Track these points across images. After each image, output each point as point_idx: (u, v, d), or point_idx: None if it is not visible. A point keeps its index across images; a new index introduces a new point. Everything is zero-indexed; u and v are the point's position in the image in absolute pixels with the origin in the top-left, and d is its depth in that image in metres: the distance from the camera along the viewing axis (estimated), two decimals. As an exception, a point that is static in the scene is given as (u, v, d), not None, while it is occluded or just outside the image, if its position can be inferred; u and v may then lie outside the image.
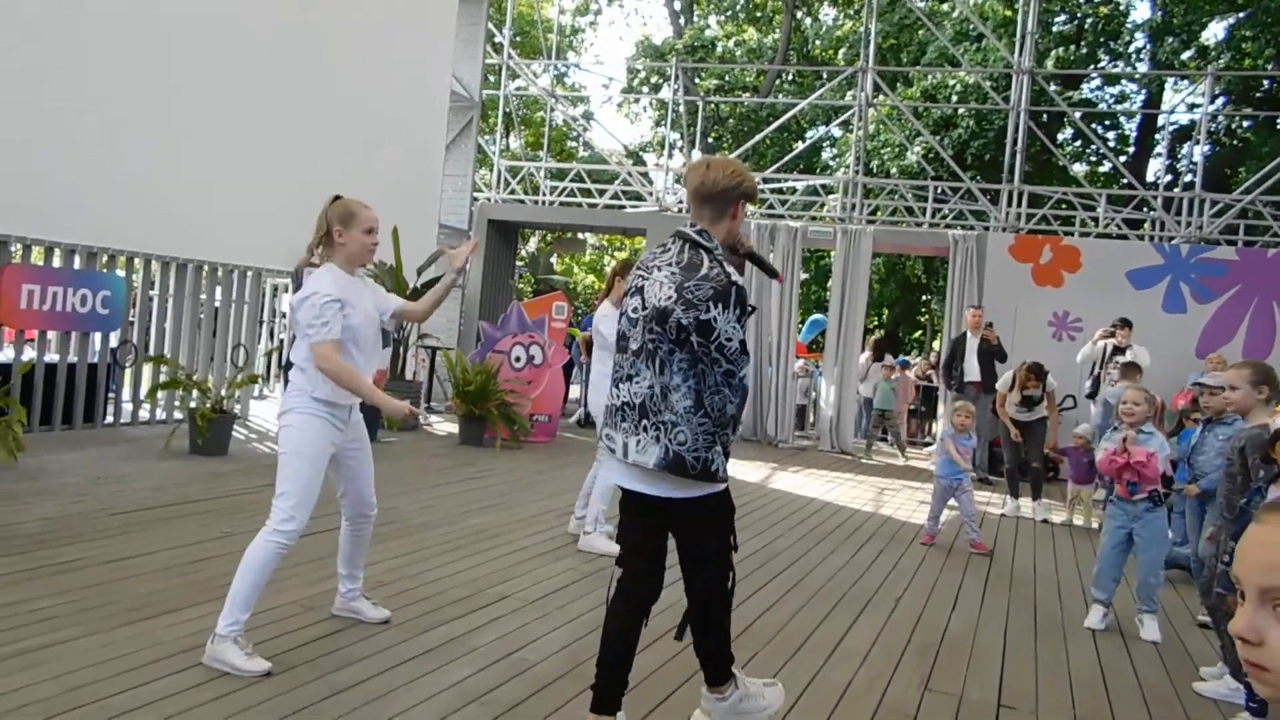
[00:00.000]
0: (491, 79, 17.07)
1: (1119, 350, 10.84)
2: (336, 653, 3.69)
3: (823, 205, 17.39)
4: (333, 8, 11.06)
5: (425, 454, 9.27)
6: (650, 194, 16.60)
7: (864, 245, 13.09)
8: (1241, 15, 21.41)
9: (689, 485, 2.94)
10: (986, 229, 14.09)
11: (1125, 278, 12.32)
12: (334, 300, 3.54)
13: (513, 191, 17.10)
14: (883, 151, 21.98)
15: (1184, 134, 22.26)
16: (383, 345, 9.50)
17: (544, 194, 17.09)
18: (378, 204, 9.54)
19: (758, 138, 18.31)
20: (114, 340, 8.97)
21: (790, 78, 25.56)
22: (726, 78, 25.53)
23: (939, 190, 15.76)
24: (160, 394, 8.87)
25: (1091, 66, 21.95)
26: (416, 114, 12.77)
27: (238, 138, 9.77)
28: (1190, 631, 5.22)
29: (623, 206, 16.78)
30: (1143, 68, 22.70)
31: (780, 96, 24.01)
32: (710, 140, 25.06)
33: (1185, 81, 22.18)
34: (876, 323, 27.55)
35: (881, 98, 17.43)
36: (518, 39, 25.54)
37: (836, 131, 23.09)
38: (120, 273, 8.91)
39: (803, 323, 17.23)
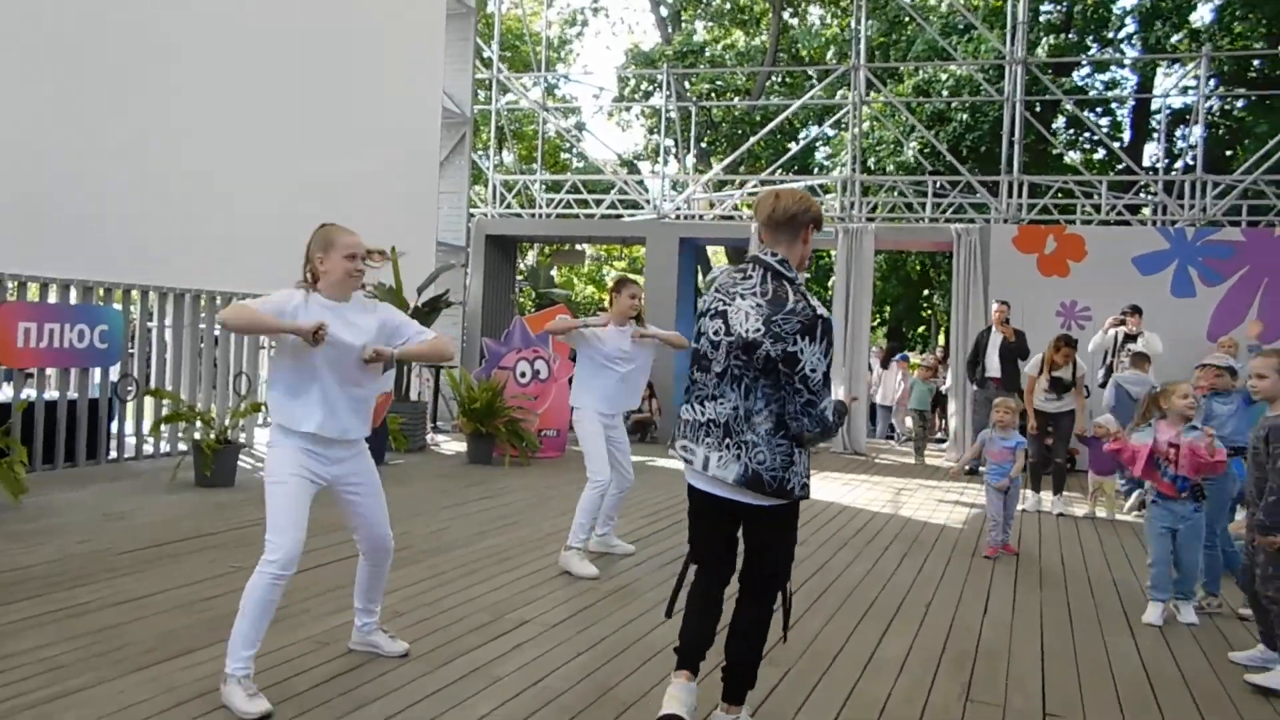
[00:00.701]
0: (482, 95, 17.02)
1: (1130, 338, 10.71)
2: (355, 691, 3.56)
3: (821, 205, 17.27)
4: (321, 30, 10.96)
5: (434, 475, 9.14)
6: (647, 202, 16.50)
7: (866, 243, 12.98)
8: (1230, -4, 21.32)
9: (771, 499, 3.11)
10: (988, 221, 13.97)
11: (1132, 264, 12.19)
12: (270, 298, 3.46)
13: (509, 206, 17.00)
14: (878, 149, 21.88)
15: (1178, 117, 22.18)
16: (383, 367, 9.41)
17: (540, 207, 16.99)
18: (374, 224, 9.40)
19: (751, 141, 18.21)
20: (114, 374, 8.85)
21: (780, 79, 25.49)
22: (717, 82, 25.45)
23: (938, 185, 15.65)
24: (164, 427, 8.73)
25: (1082, 54, 21.84)
26: (409, 133, 12.67)
27: (230, 166, 9.66)
28: (1230, 623, 5.09)
29: (620, 216, 16.67)
30: (1133, 53, 22.62)
31: (772, 98, 23.93)
32: (704, 146, 24.98)
33: (1177, 65, 22.11)
34: (879, 320, 27.45)
35: (874, 95, 17.36)
36: (507, 53, 25.49)
37: (830, 131, 23.00)
38: (117, 306, 8.80)
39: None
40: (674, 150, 23.27)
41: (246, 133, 9.90)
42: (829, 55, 24.93)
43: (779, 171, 17.90)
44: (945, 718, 3.58)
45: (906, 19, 21.96)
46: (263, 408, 9.34)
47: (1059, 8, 22.88)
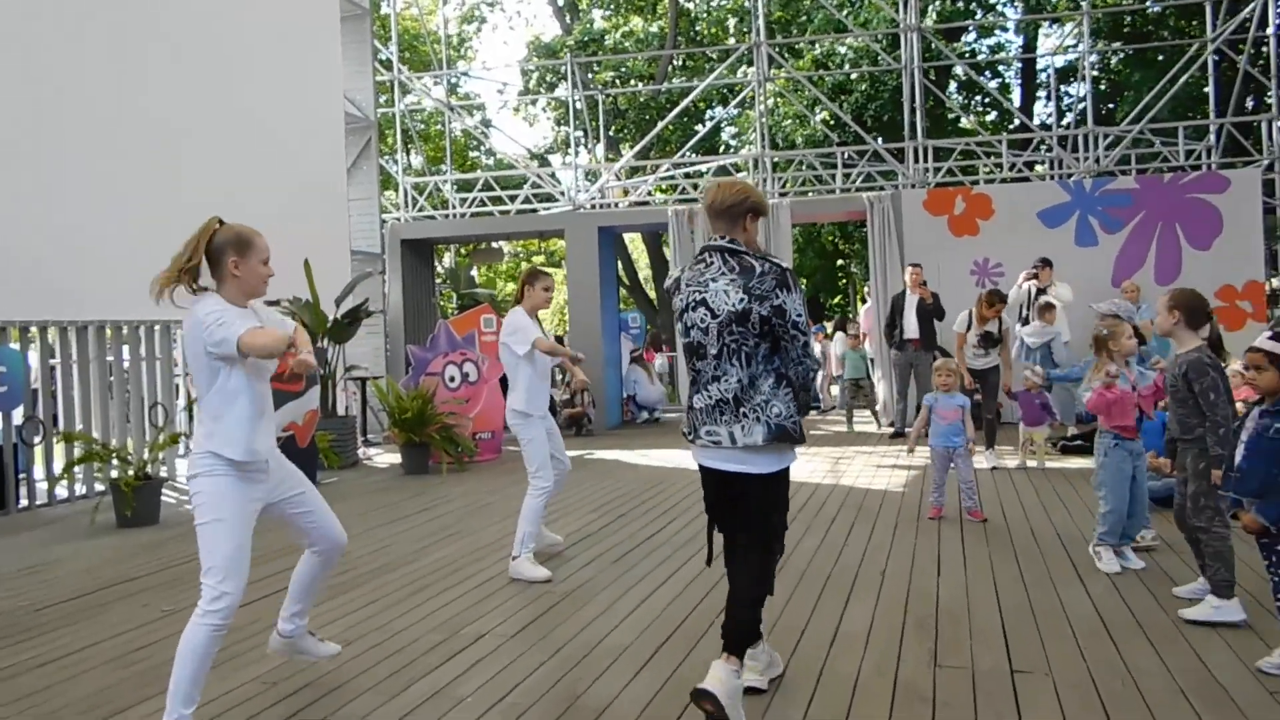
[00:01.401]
0: (384, 97, 16.66)
1: (1042, 290, 10.98)
2: (314, 726, 3.42)
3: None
4: (213, 43, 10.56)
5: (370, 490, 8.92)
6: (561, 194, 16.36)
7: (782, 218, 13.04)
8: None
9: (772, 459, 3.35)
10: (897, 187, 14.17)
11: (1037, 218, 12.47)
12: (220, 311, 3.23)
13: (421, 209, 16.70)
14: (785, 124, 22.03)
15: (1063, 75, 22.78)
16: (307, 384, 9.14)
17: (454, 207, 16.72)
18: (283, 237, 9.09)
19: (659, 127, 18.15)
20: (17, 418, 8.41)
21: (683, 62, 25.48)
22: (621, 69, 25.33)
23: (846, 155, 15.81)
24: (78, 468, 8.33)
25: (970, 20, 22.26)
26: (312, 140, 12.31)
27: (127, 189, 9.26)
28: (1167, 557, 5.22)
29: (535, 210, 16.50)
30: (1016, 15, 23.18)
31: (676, 82, 23.91)
32: (612, 134, 24.86)
33: (1056, 25, 22.67)
34: (798, 293, 27.75)
35: (776, 70, 17.45)
36: (406, 53, 24.99)
37: (736, 110, 23.08)
38: (15, 345, 8.36)
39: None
40: (584, 140, 23.14)
41: (142, 153, 9.50)
42: (729, 33, 25.01)
43: (689, 154, 17.86)
44: (918, 686, 3.57)
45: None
46: (181, 438, 9.01)
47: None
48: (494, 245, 19.97)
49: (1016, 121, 20.57)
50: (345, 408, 11.61)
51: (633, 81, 24.44)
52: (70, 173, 8.82)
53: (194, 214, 10.19)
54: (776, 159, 16.32)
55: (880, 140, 19.14)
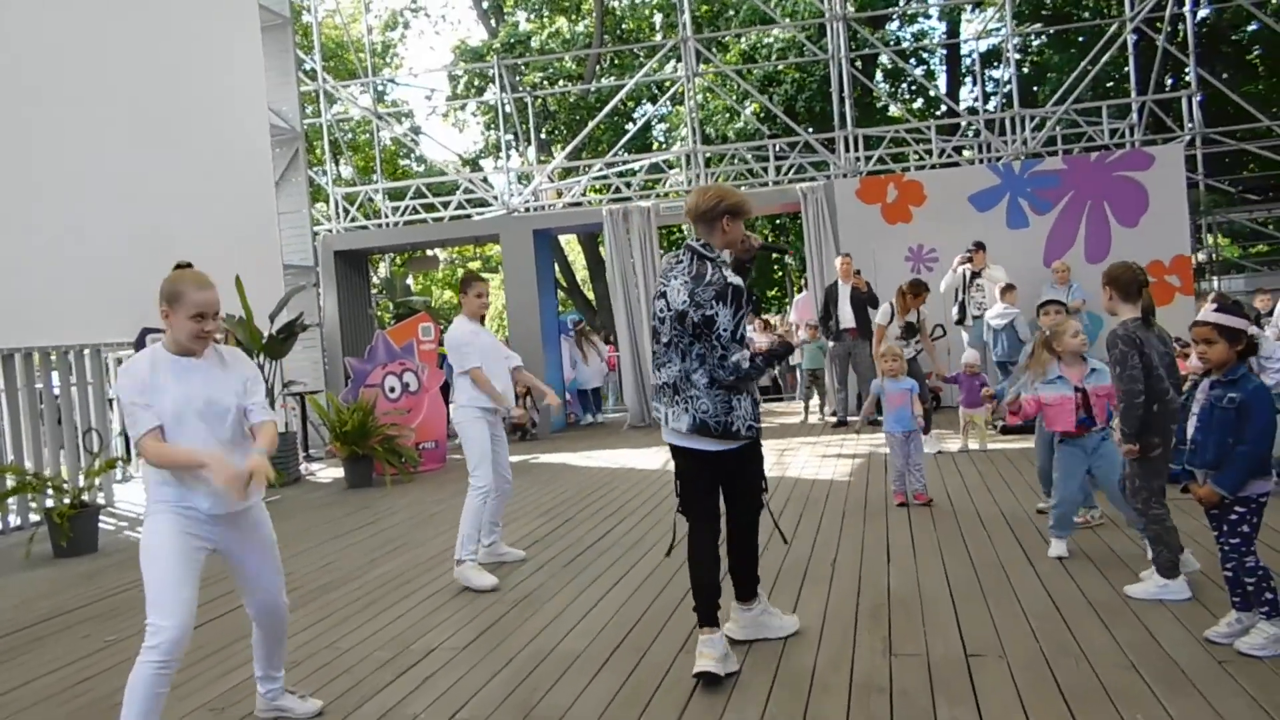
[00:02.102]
0: (310, 108, 16.36)
1: (977, 274, 11.14)
2: (263, 756, 3.32)
3: (667, 181, 17.34)
4: (131, 58, 10.25)
5: (314, 506, 8.75)
6: (495, 198, 16.22)
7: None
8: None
9: (725, 442, 3.72)
10: (829, 178, 14.28)
11: (968, 202, 12.65)
12: (134, 399, 3.15)
13: (354, 219, 16.44)
14: (715, 119, 22.09)
15: (987, 59, 23.18)
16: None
17: (386, 216, 16.50)
18: (214, 253, 8.87)
19: (589, 127, 18.08)
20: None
21: (610, 61, 25.44)
22: (549, 70, 25.20)
23: (777, 148, 15.89)
24: (12, 500, 8.02)
25: (894, 7, 22.53)
26: (238, 155, 12.03)
27: (46, 210, 8.96)
28: (1114, 534, 5.30)
29: (469, 216, 16.34)
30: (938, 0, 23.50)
31: (605, 81, 23.86)
32: (544, 136, 24.73)
33: (980, 10, 23.05)
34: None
35: (705, 65, 17.48)
36: (330, 63, 24.59)
37: (666, 106, 23.10)
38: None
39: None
40: (515, 144, 22.98)
41: (61, 175, 9.20)
42: (656, 28, 25.02)
43: (621, 153, 17.82)
44: (875, 677, 3.58)
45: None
46: (118, 463, 8.75)
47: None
48: (430, 253, 19.75)
49: (944, 107, 20.90)
50: (285, 424, 11.38)
51: (562, 82, 24.33)
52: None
53: (119, 238, 10.03)
54: (709, 154, 16.35)
55: (811, 131, 19.30)
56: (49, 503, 7.41)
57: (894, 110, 21.51)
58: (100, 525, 7.73)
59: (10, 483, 7.78)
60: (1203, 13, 19.05)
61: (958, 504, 6.51)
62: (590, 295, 26.04)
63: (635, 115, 24.69)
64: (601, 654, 4.05)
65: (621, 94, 17.86)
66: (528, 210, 15.42)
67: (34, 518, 8.39)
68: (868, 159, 15.14)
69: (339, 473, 10.27)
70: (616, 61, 25.35)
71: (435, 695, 3.73)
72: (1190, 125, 14.93)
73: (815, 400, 12.68)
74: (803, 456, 9.23)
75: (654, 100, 23.74)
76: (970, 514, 6.17)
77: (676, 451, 3.85)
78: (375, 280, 18.50)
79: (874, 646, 3.88)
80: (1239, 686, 3.23)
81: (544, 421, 13.12)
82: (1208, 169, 15.35)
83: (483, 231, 15.26)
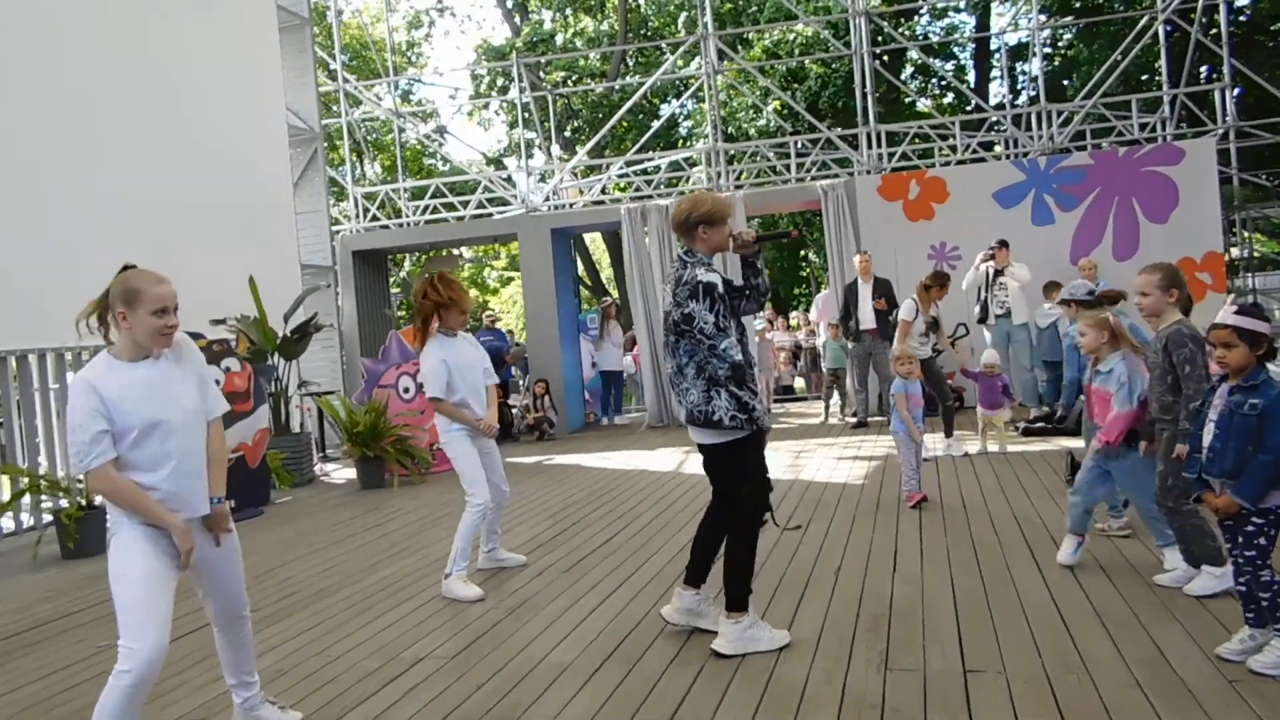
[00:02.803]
0: (335, 108, 16.40)
1: (1000, 272, 10.92)
2: (236, 770, 3.24)
3: (688, 179, 17.20)
4: (149, 62, 10.29)
5: (325, 508, 8.71)
6: (515, 197, 16.16)
7: (737, 211, 12.90)
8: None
9: (708, 434, 3.96)
10: (851, 174, 14.08)
11: (992, 199, 12.42)
12: (90, 425, 3.00)
13: (374, 219, 16.45)
14: (739, 115, 21.92)
15: (1015, 53, 22.83)
16: (255, 402, 8.92)
17: (406, 216, 16.49)
18: (229, 253, 8.87)
19: (609, 124, 17.97)
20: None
21: (635, 58, 25.33)
22: (573, 69, 25.13)
23: (799, 144, 15.71)
24: (25, 500, 8.02)
25: (919, 2, 22.26)
26: (256, 155, 12.04)
27: (65, 210, 9.00)
28: (1132, 546, 5.11)
29: (489, 215, 16.29)
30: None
31: (629, 78, 23.76)
32: (567, 134, 24.67)
33: (1009, 4, 22.74)
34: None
35: (727, 63, 17.32)
36: (354, 62, 24.67)
37: (690, 104, 22.95)
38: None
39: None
40: (538, 142, 22.94)
41: (83, 177, 9.23)
42: (680, 25, 24.87)
43: (644, 150, 17.70)
44: (867, 693, 3.44)
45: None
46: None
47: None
48: (452, 252, 19.74)
49: (973, 103, 20.61)
50: (300, 424, 11.38)
51: (585, 80, 24.25)
52: (11, 198, 8.55)
53: (138, 237, 10.07)
54: (732, 151, 16.20)
55: (836, 127, 19.08)
56: (60, 504, 7.41)
57: (922, 106, 21.23)
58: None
59: (18, 484, 7.80)
60: (1240, 2, 18.65)
61: (971, 509, 6.33)
62: (614, 294, 25.96)
63: (660, 112, 24.57)
64: (591, 664, 3.95)
65: (641, 91, 17.76)
66: (548, 210, 15.34)
67: (46, 518, 8.42)
68: (891, 156, 14.93)
69: (353, 473, 10.23)
70: (642, 59, 25.23)
71: (418, 706, 3.65)
72: (1224, 119, 14.57)
73: (836, 401, 12.51)
74: (818, 458, 9.07)
75: (679, 97, 23.58)
76: (983, 518, 6.01)
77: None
78: (399, 280, 18.52)
79: (870, 660, 3.74)
80: (1247, 707, 3.06)
81: (561, 422, 13.04)
82: (1242, 164, 14.98)
83: (502, 230, 15.20)
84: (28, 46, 8.99)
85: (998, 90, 23.99)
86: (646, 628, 4.35)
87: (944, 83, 23.27)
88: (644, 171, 17.49)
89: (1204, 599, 4.07)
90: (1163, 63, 15.74)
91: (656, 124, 20.43)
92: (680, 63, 20.31)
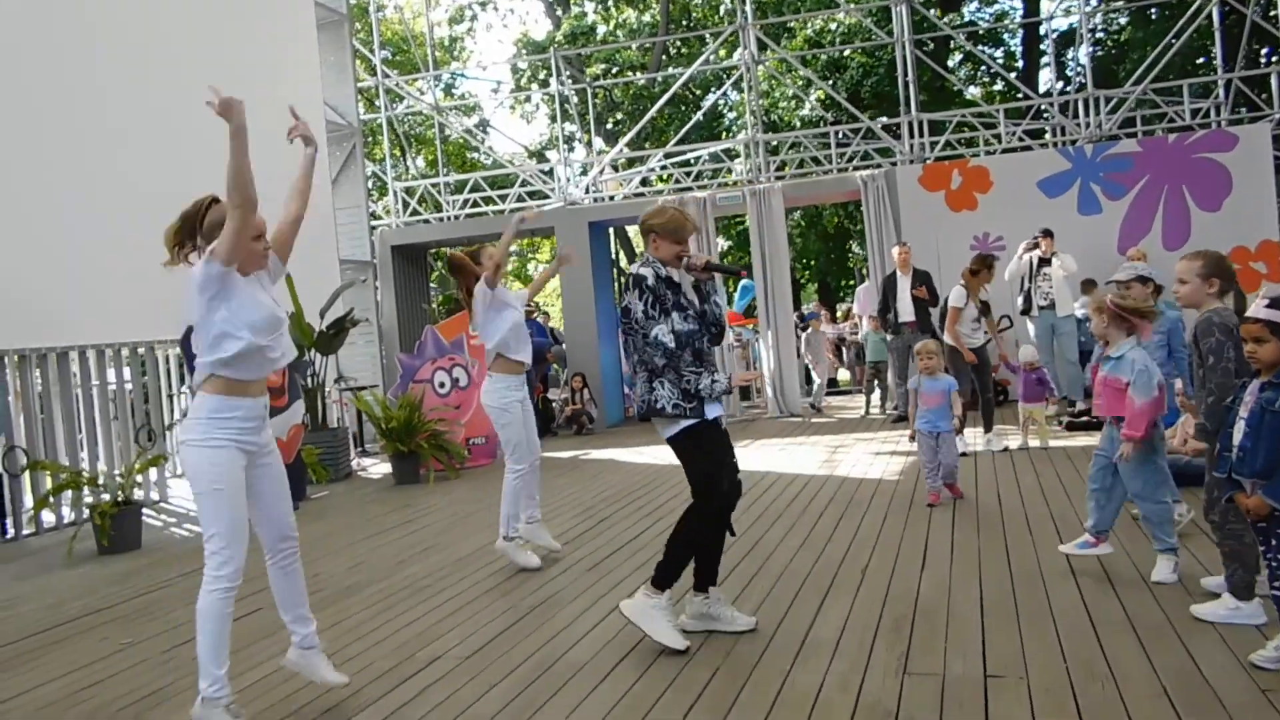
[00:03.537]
0: (376, 103, 16.50)
1: (1045, 262, 10.66)
2: (243, 770, 3.23)
3: (729, 171, 17.06)
4: (184, 59, 10.39)
5: (358, 503, 8.76)
6: (553, 190, 16.14)
7: (775, 203, 12.77)
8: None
9: (660, 425, 4.04)
10: (894, 165, 13.86)
11: (1037, 188, 12.17)
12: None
13: (415, 214, 16.53)
14: (780, 106, 21.70)
15: (1067, 39, 22.31)
16: (291, 397, 8.98)
17: (448, 210, 16.54)
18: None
19: (649, 115, 17.87)
20: (-2, 448, 8.29)
21: (677, 49, 25.18)
22: (613, 60, 25.03)
23: (840, 134, 15.50)
24: (53, 498, 8.15)
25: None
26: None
27: (106, 206, 9.13)
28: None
29: (530, 209, 16.28)
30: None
31: (671, 69, 23.62)
32: (609, 127, 24.60)
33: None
34: (806, 277, 27.36)
35: (768, 52, 17.13)
36: (396, 58, 24.81)
37: (734, 95, 22.76)
38: (-9, 375, 8.23)
39: (731, 294, 16.79)
40: (578, 136, 22.90)
41: (118, 175, 9.36)
42: (721, 18, 24.68)
43: (685, 142, 17.57)
44: (883, 697, 3.35)
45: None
46: (163, 460, 8.86)
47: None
48: (489, 247, 19.74)
49: (1021, 91, 20.17)
50: (338, 419, 11.46)
51: (627, 72, 24.16)
52: (48, 195, 8.70)
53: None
54: (773, 142, 16.02)
55: (880, 116, 18.78)
56: (91, 500, 7.52)
57: (971, 93, 20.84)
58: (147, 522, 7.84)
59: (52, 481, 7.92)
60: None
61: (1007, 506, 6.19)
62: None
63: (703, 104, 24.41)
64: (606, 665, 3.89)
65: (680, 82, 17.61)
66: (588, 202, 15.30)
67: (85, 514, 8.55)
68: (934, 145, 14.66)
69: (389, 469, 10.28)
70: (684, 50, 25.07)
71: (430, 707, 3.61)
72: (1281, 103, 14.10)
73: (877, 395, 12.33)
74: (855, 454, 8.94)
75: (719, 87, 23.40)
76: (1019, 519, 5.85)
77: None
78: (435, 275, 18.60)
79: (889, 664, 3.64)
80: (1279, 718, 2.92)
81: (600, 416, 13.01)
82: (1299, 148, 14.49)
83: (539, 225, 15.17)
84: (60, 42, 9.13)
85: (1048, 78, 23.50)
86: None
87: (992, 72, 22.83)
88: (684, 163, 17.35)
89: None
90: (1217, 46, 15.26)
91: (697, 115, 20.30)
92: (721, 54, 20.14)
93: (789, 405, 12.56)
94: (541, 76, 25.01)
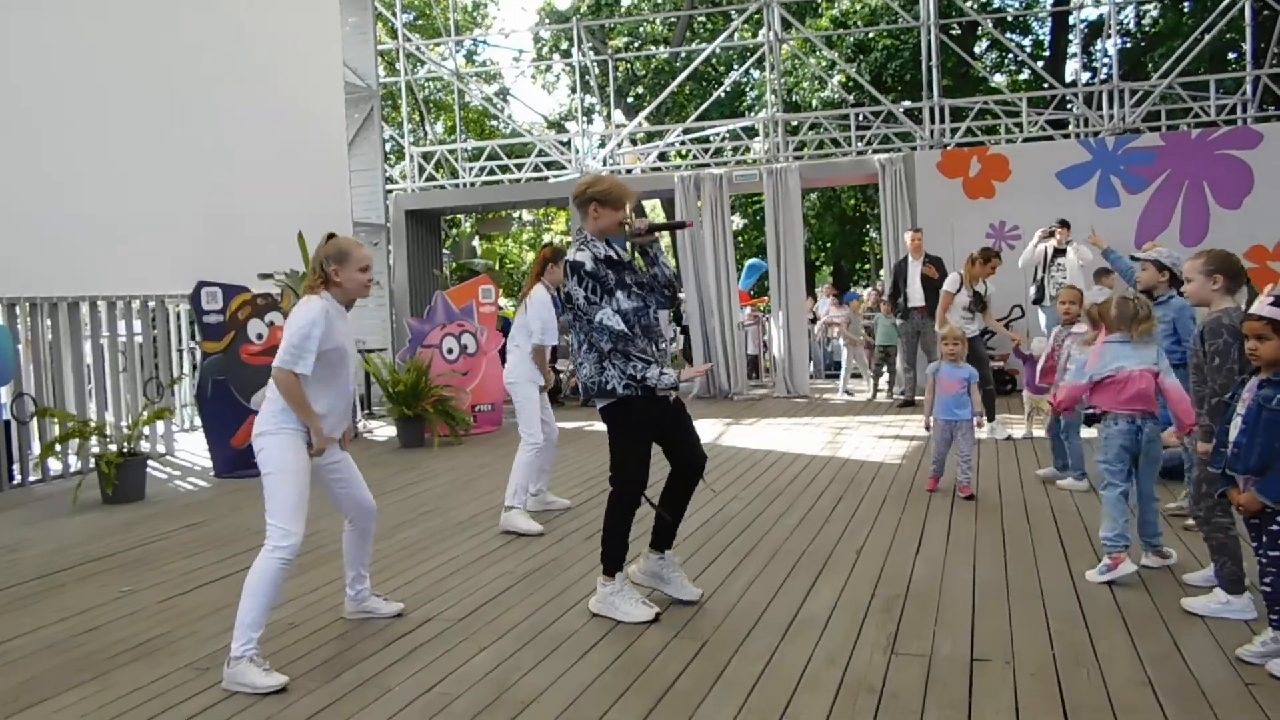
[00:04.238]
0: (396, 66, 16.46)
1: (1060, 252, 10.60)
2: None
3: (748, 149, 16.98)
4: (204, 12, 10.40)
5: (362, 465, 8.54)
6: (570, 162, 16.10)
7: (791, 183, 12.70)
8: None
9: (603, 400, 4.08)
10: (914, 149, 13.77)
11: (1056, 178, 12.08)
12: (313, 333, 3.67)
13: (431, 179, 16.52)
14: (802, 86, 21.56)
15: (1095, 30, 22.08)
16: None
17: (463, 176, 16.53)
18: (283, 210, 9.37)
19: (669, 90, 17.79)
20: (6, 395, 8.35)
21: (703, 25, 25.00)
22: (637, 32, 24.89)
23: (860, 117, 15.40)
24: (59, 446, 8.20)
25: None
26: (311, 111, 12.11)
27: (123, 160, 9.17)
28: (1168, 540, 4.93)
29: (545, 178, 16.27)
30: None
31: (695, 44, 23.47)
32: (630, 100, 24.50)
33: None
34: (822, 259, 27.28)
35: (792, 31, 17.00)
36: (419, 22, 24.73)
37: (756, 73, 22.63)
38: (1, 321, 8.28)
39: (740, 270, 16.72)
40: (598, 108, 22.81)
41: (136, 128, 9.39)
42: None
43: (705, 119, 17.49)
44: (869, 675, 3.37)
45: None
46: (169, 414, 8.91)
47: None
48: (505, 215, 19.75)
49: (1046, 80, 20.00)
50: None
51: (649, 46, 24.02)
52: (65, 148, 8.72)
53: (190, 190, 10.20)
54: (793, 122, 15.93)
55: (903, 100, 18.65)
56: (96, 450, 7.58)
57: (996, 81, 20.66)
58: (152, 474, 7.91)
59: (59, 429, 7.97)
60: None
61: (1007, 495, 6.19)
62: (672, 262, 25.82)
63: (725, 81, 24.27)
64: (593, 635, 3.92)
65: (701, 58, 17.50)
66: (607, 174, 15.25)
67: (91, 464, 8.63)
68: (954, 131, 14.55)
69: (394, 431, 10.33)
70: (709, 26, 24.89)
71: (417, 668, 3.65)
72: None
73: (885, 379, 12.31)
74: (858, 436, 8.94)
75: (742, 64, 23.26)
76: (1017, 506, 5.86)
77: None
78: (454, 239, 18.61)
79: (878, 642, 3.66)
80: (1261, 712, 2.93)
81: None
82: (1325, 149, 14.32)
83: (555, 195, 15.17)
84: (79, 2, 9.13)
85: (1074, 68, 23.29)
86: (654, 600, 4.30)
87: (1018, 59, 22.62)
88: (703, 140, 17.28)
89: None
90: (1248, 42, 15.08)
91: (719, 92, 20.18)
92: (745, 31, 19.98)
93: (796, 386, 12.54)
94: (564, 47, 24.90)
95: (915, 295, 10.39)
